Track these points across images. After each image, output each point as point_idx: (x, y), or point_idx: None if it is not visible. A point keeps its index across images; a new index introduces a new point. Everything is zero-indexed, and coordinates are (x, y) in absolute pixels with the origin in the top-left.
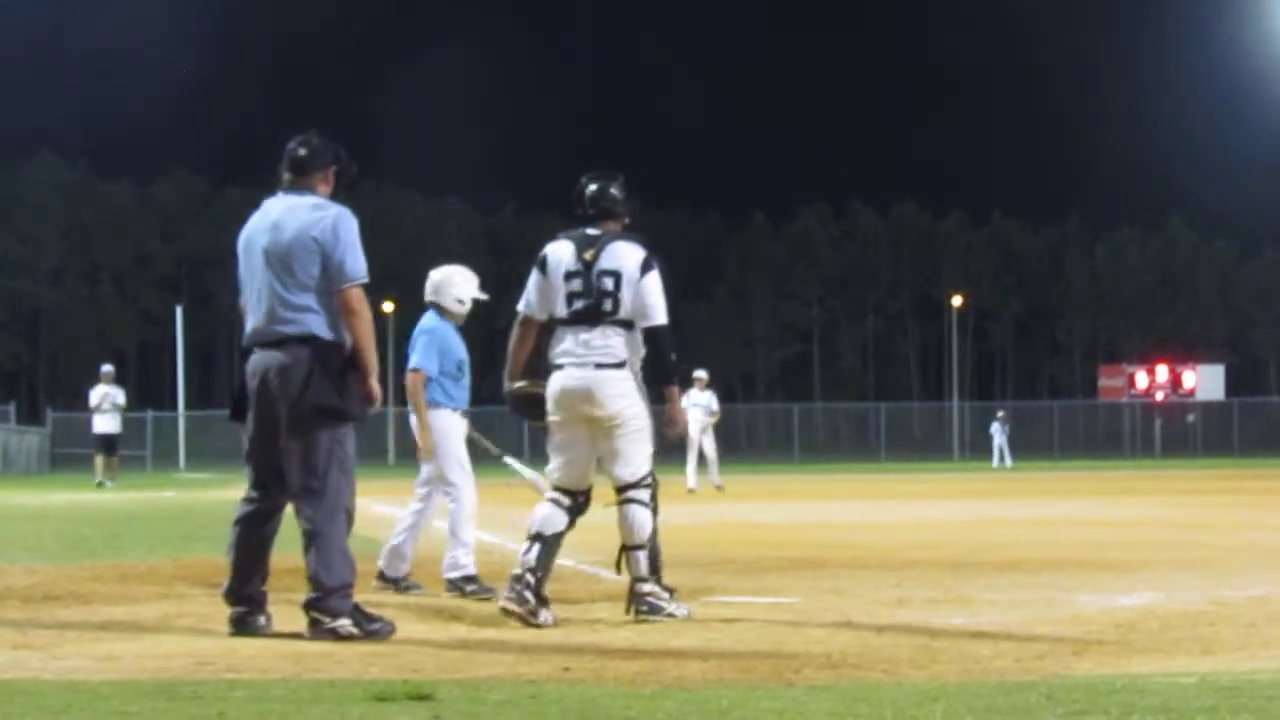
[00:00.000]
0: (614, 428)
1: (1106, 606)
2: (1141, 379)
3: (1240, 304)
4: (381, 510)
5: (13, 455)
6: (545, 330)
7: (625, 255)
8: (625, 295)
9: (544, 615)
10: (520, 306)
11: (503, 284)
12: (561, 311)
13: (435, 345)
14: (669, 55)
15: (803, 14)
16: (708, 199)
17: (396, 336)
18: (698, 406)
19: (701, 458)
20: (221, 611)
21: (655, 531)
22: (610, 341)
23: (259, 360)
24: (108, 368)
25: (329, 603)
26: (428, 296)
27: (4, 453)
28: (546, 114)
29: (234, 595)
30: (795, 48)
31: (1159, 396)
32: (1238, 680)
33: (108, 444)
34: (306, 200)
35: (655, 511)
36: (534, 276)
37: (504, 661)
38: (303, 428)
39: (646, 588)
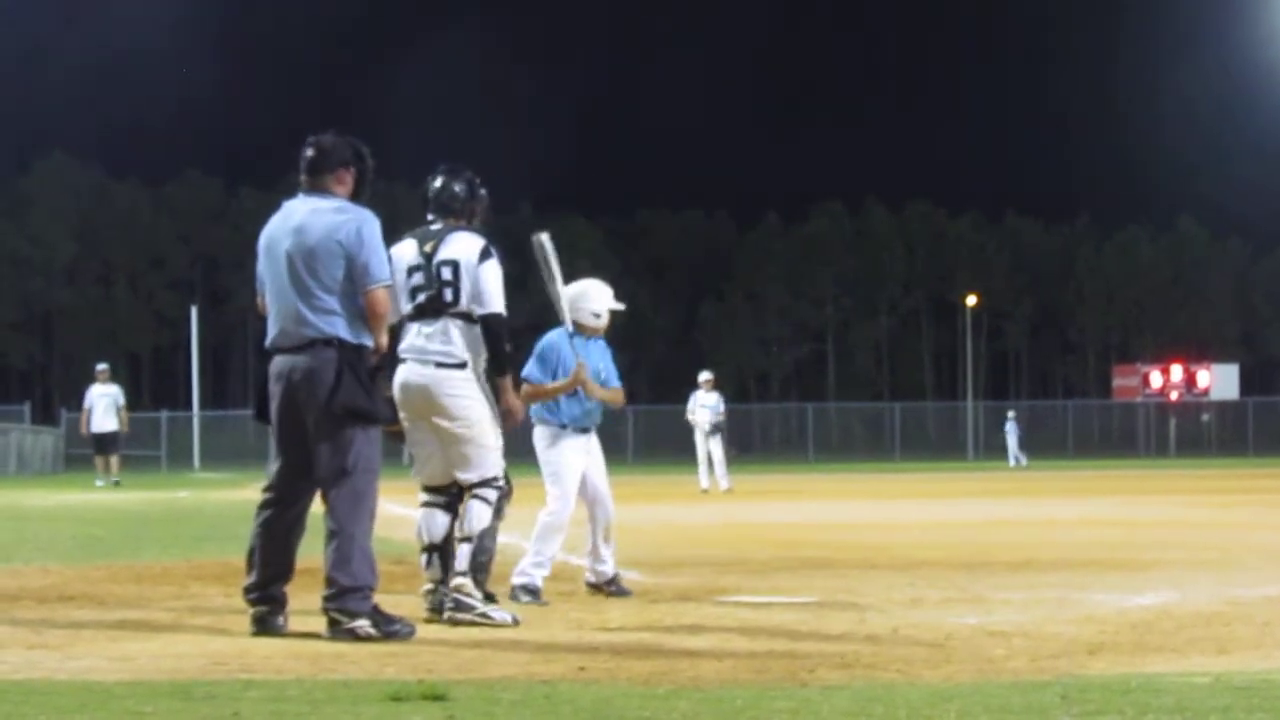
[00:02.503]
0: (454, 431)
1: (1121, 606)
2: (1156, 379)
3: (1254, 303)
4: (399, 512)
5: (27, 456)
6: (397, 332)
7: (464, 244)
8: (464, 284)
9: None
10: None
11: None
12: (406, 307)
13: (541, 356)
14: (682, 54)
15: (816, 13)
16: (720, 199)
17: None
18: (705, 408)
19: (710, 459)
20: (236, 611)
21: (491, 533)
22: (451, 339)
23: (283, 363)
24: (103, 366)
25: (347, 603)
26: (563, 315)
27: (18, 453)
28: (560, 114)
29: (254, 593)
30: (808, 47)
31: (1173, 396)
32: (1252, 680)
33: (104, 443)
34: (329, 203)
35: (499, 514)
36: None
37: (518, 661)
38: (331, 430)
39: (457, 581)
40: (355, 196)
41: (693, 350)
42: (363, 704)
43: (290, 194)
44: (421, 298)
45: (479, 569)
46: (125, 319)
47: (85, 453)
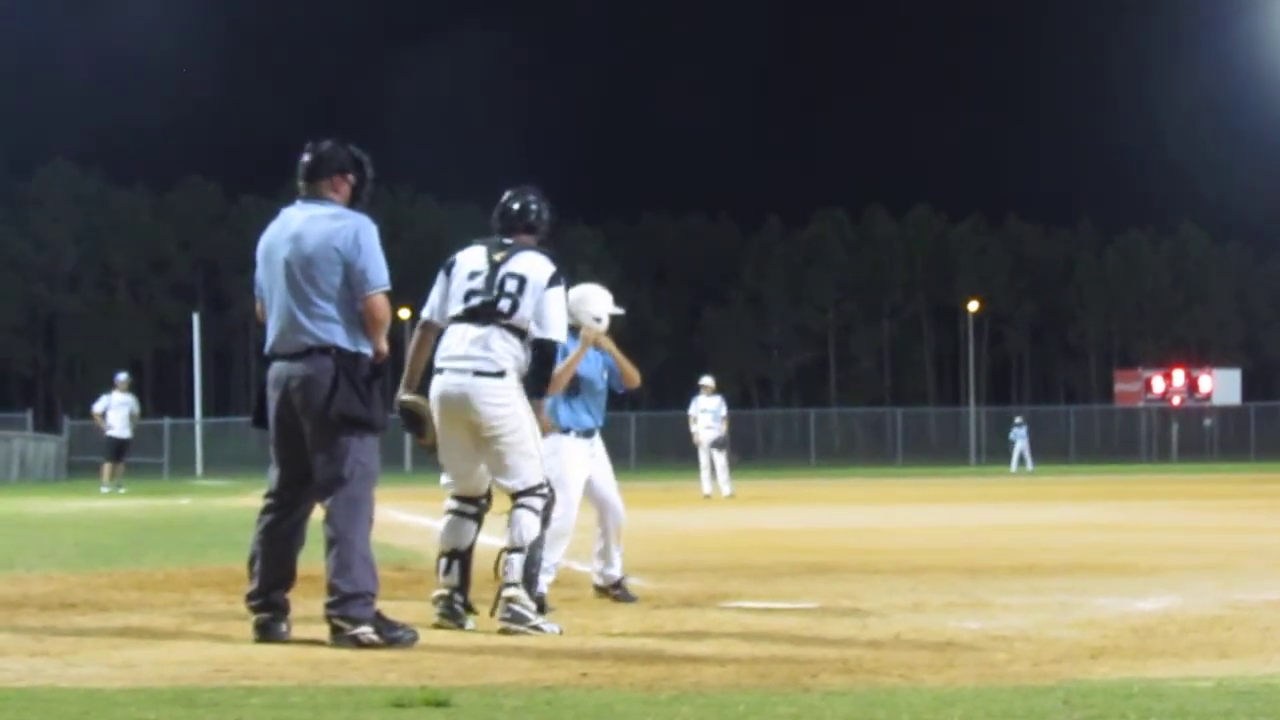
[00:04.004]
0: (494, 438)
1: (1123, 611)
2: (1158, 383)
3: (1255, 307)
4: (399, 518)
5: (29, 462)
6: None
7: (535, 264)
8: (526, 301)
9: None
10: (424, 312)
11: None
12: (456, 309)
13: None
14: (684, 60)
15: (817, 18)
16: (722, 204)
17: None
18: (707, 413)
19: (712, 464)
20: (239, 618)
21: (540, 542)
22: (494, 347)
23: (281, 371)
24: (122, 375)
25: (349, 610)
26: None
27: (21, 460)
28: (563, 120)
29: (257, 599)
30: (809, 52)
31: (1175, 401)
32: (1254, 684)
33: (118, 450)
34: (325, 210)
35: (546, 523)
36: (439, 280)
37: (521, 667)
38: (328, 437)
39: (511, 592)
40: (353, 203)
41: (694, 355)
42: (365, 710)
43: (291, 201)
44: (475, 301)
45: (530, 581)
46: (127, 325)
47: (88, 459)
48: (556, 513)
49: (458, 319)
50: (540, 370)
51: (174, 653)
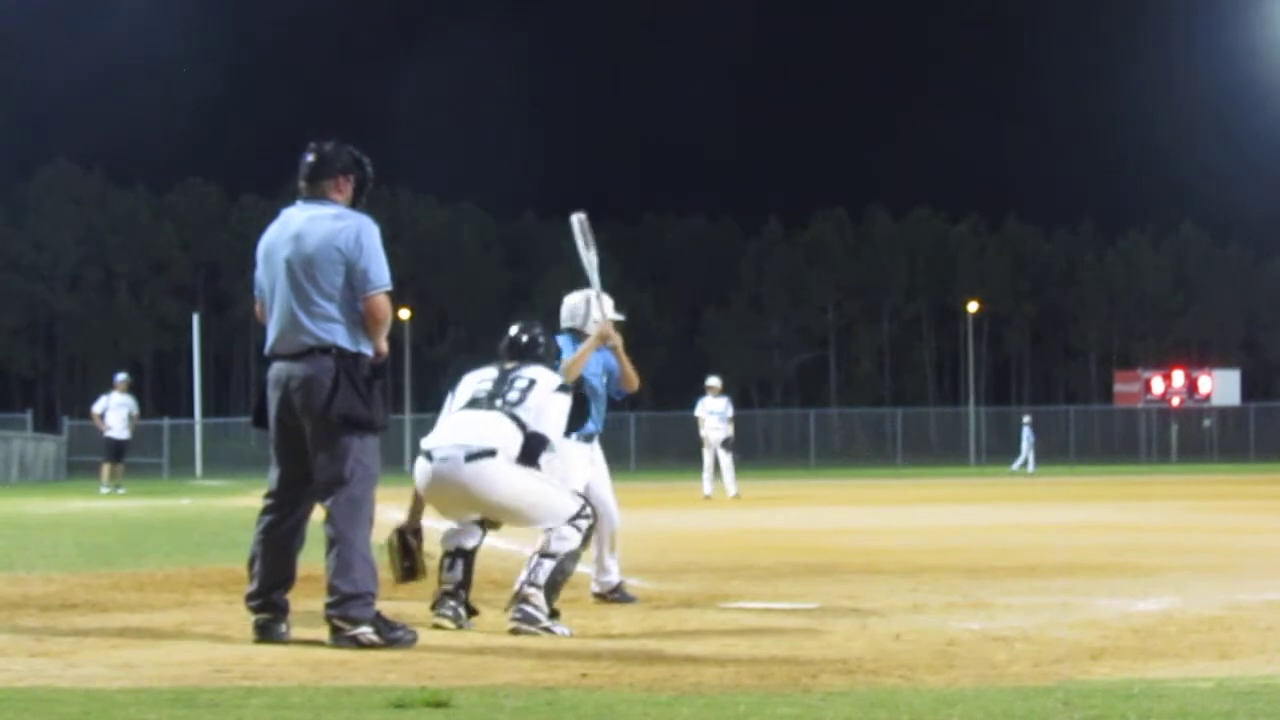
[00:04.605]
0: (507, 513)
1: (1123, 611)
2: (1158, 384)
3: (1255, 308)
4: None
5: (29, 463)
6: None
7: (544, 373)
8: (533, 399)
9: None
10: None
11: (519, 293)
12: (459, 406)
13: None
14: (684, 61)
15: (818, 19)
16: (723, 205)
17: (413, 344)
18: (713, 414)
19: (717, 466)
20: (239, 619)
21: (573, 557)
22: (488, 427)
23: (281, 371)
24: (122, 376)
25: (349, 610)
26: (564, 323)
27: (20, 460)
28: (564, 120)
29: (256, 600)
30: (810, 54)
31: (1175, 402)
32: (1255, 685)
33: (118, 450)
34: (327, 210)
35: (585, 542)
36: (446, 402)
37: (521, 668)
38: (328, 438)
39: (529, 591)
40: (353, 205)
41: (695, 356)
42: (365, 711)
43: (291, 201)
44: (481, 394)
45: (553, 587)
46: (127, 326)
47: (88, 460)
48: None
49: (461, 407)
50: (527, 460)
51: (174, 653)
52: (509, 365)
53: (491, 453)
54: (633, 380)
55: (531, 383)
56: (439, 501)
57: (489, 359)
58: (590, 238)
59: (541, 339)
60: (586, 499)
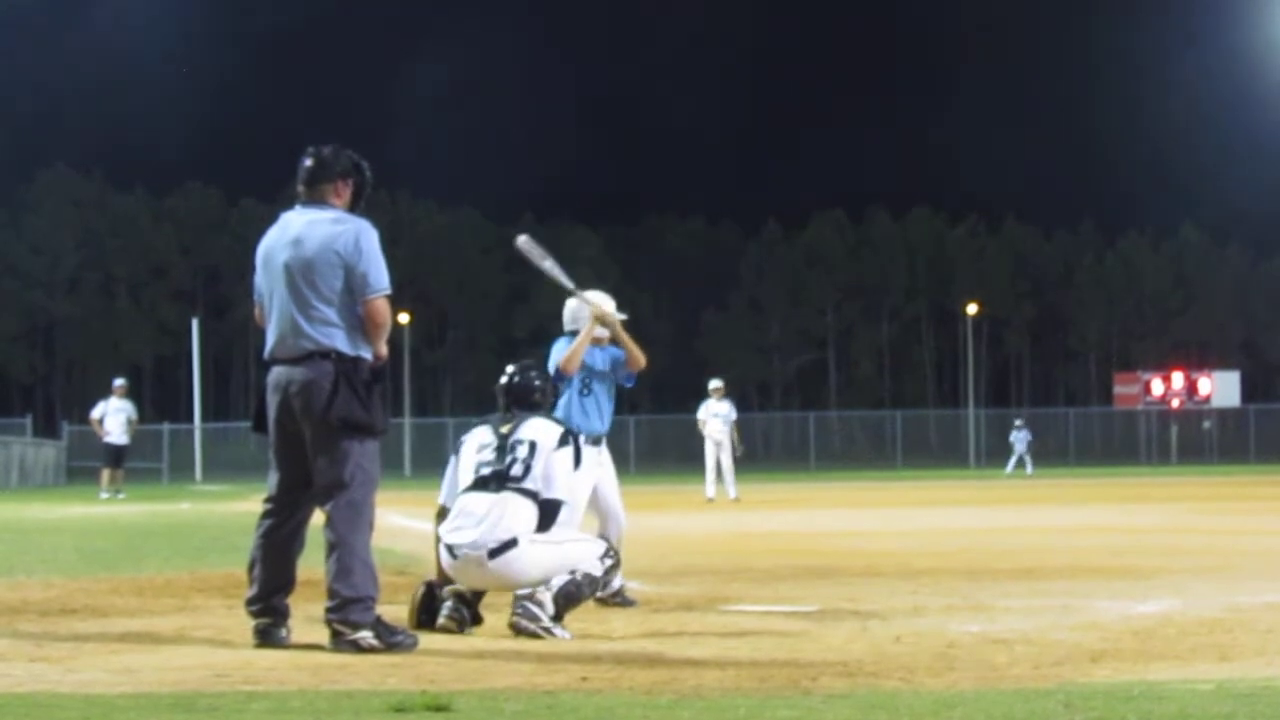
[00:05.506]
0: (547, 580)
1: (1124, 613)
2: (1157, 386)
3: (1255, 309)
4: (399, 522)
5: (29, 468)
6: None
7: (542, 429)
8: (537, 464)
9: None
10: (440, 499)
11: (519, 295)
12: (467, 482)
13: (552, 358)
14: (684, 62)
15: (817, 21)
16: (722, 206)
17: (413, 347)
18: (717, 416)
19: (719, 468)
20: (239, 624)
21: (594, 584)
22: (504, 514)
23: (280, 375)
24: (120, 381)
25: (349, 615)
26: (567, 326)
27: (20, 465)
28: (563, 123)
29: (257, 604)
30: (809, 55)
31: (1175, 403)
32: (1255, 687)
33: (117, 456)
34: (326, 214)
35: (610, 572)
36: (450, 464)
37: (521, 671)
38: (328, 442)
39: (540, 594)
40: (352, 209)
41: (695, 359)
42: (365, 715)
43: (291, 205)
44: (486, 471)
45: (565, 597)
46: (127, 330)
47: (88, 465)
48: (562, 517)
49: (468, 489)
50: (544, 527)
51: (174, 658)
52: (505, 427)
53: (513, 543)
54: (638, 358)
55: (532, 447)
56: (472, 585)
57: (488, 411)
58: (540, 250)
59: (537, 382)
60: (610, 544)
